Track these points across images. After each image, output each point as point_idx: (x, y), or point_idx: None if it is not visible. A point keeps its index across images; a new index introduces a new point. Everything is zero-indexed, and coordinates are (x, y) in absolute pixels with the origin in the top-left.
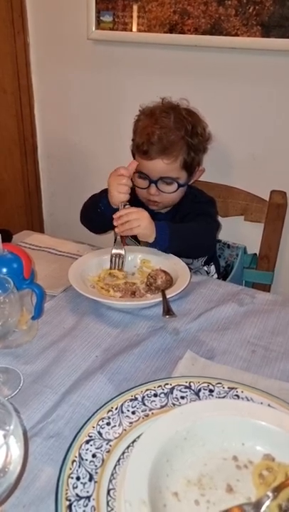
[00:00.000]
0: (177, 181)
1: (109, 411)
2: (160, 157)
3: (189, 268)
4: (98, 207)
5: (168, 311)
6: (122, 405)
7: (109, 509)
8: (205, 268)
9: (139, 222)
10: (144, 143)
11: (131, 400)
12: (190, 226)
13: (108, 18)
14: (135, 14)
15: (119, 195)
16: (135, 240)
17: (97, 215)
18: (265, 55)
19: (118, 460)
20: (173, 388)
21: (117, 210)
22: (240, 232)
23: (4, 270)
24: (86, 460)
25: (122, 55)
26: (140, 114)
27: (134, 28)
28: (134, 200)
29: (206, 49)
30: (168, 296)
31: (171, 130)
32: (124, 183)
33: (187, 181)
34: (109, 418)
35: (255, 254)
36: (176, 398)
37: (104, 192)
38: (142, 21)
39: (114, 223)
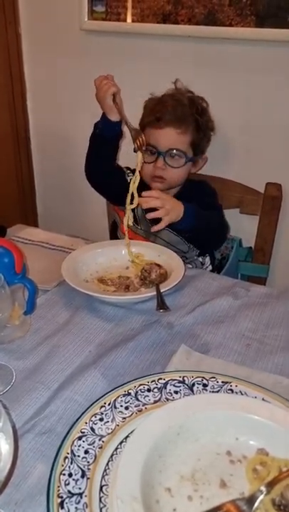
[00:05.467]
0: (185, 155)
1: (102, 406)
2: (172, 125)
3: (184, 258)
4: (96, 128)
5: (162, 305)
6: (115, 400)
7: (101, 506)
8: (200, 259)
9: (164, 202)
10: (158, 110)
11: (124, 395)
12: (209, 212)
13: (101, 8)
14: (128, 4)
15: (109, 88)
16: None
17: (97, 139)
18: (260, 45)
19: (111, 456)
20: (166, 383)
21: (112, 123)
22: (236, 225)
23: None
24: (78, 456)
25: (115, 45)
26: (150, 99)
27: (128, 18)
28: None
29: (199, 40)
30: (162, 290)
31: (185, 105)
32: (109, 78)
33: (192, 160)
34: (102, 414)
35: (251, 247)
36: (170, 393)
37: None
38: (135, 11)
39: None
